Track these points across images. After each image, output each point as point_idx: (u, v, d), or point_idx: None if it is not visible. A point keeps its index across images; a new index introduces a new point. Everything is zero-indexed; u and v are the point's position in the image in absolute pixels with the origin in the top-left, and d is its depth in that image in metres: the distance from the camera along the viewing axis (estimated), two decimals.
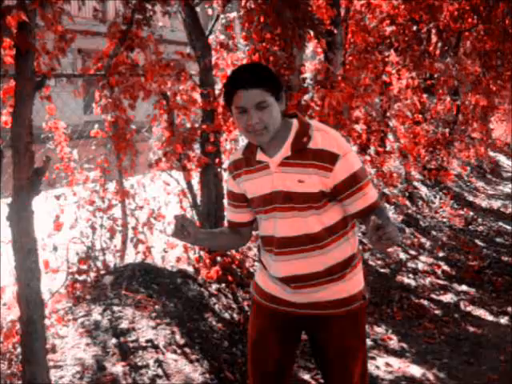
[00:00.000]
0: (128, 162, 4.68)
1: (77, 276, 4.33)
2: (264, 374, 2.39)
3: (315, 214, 2.17)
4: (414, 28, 8.40)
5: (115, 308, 3.94)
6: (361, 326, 2.38)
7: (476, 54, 11.66)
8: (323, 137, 2.14)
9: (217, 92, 4.79)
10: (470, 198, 11.10)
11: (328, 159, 2.10)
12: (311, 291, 2.26)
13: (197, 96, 4.74)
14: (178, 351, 3.64)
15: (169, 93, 4.71)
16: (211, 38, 5.04)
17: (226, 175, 2.44)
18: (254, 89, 2.05)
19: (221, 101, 4.75)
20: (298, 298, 2.28)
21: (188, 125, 4.76)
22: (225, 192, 4.95)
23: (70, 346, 3.56)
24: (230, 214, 2.44)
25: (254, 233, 2.60)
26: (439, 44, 9.74)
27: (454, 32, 9.95)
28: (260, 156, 2.21)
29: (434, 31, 9.50)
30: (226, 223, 2.55)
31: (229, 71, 4.94)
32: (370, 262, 5.87)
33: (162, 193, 4.94)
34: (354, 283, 2.31)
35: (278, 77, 2.21)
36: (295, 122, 2.19)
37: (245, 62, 4.94)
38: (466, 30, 10.15)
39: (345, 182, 2.14)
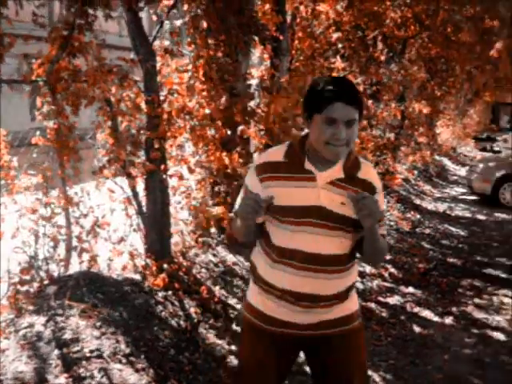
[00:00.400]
0: (71, 170, 4.59)
1: (19, 287, 4.22)
2: None
3: (343, 237, 2.21)
4: (360, 34, 8.54)
5: (59, 318, 3.84)
6: (363, 343, 2.42)
7: (421, 61, 11.94)
8: (369, 169, 2.28)
9: (161, 98, 4.75)
10: (417, 202, 11.33)
11: (369, 190, 2.18)
12: (319, 312, 2.25)
13: (141, 102, 4.69)
14: (124, 360, 3.58)
15: (112, 99, 4.65)
16: (156, 44, 5.00)
17: (251, 170, 2.33)
18: (351, 105, 2.08)
19: (165, 107, 4.72)
20: (303, 318, 2.25)
21: (133, 131, 4.70)
22: (171, 199, 4.99)
23: (10, 360, 3.46)
24: None
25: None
26: (385, 50, 9.91)
27: (399, 39, 10.16)
28: (308, 165, 2.19)
29: (379, 38, 9.68)
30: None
31: (174, 77, 4.91)
32: None
33: (107, 200, 4.86)
34: (353, 302, 2.37)
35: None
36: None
37: (190, 67, 4.92)
38: (410, 37, 10.37)
39: None
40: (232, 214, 2.48)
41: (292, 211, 2.17)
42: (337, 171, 2.18)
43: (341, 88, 2.11)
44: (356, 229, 2.21)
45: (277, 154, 2.26)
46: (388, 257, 7.16)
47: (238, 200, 2.35)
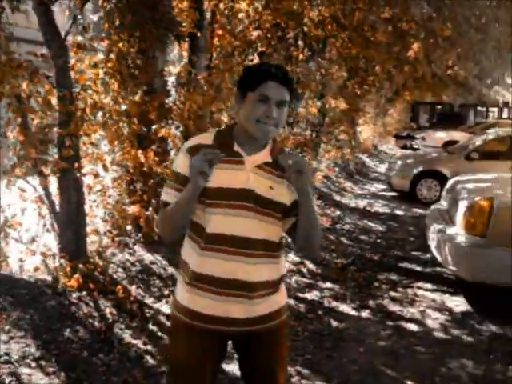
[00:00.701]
0: None
1: None
2: None
3: (272, 223, 2.21)
4: (280, 33, 8.62)
5: None
6: (286, 337, 2.45)
7: (341, 60, 12.16)
8: (295, 156, 2.22)
9: (74, 94, 4.64)
10: (338, 198, 11.54)
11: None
12: (250, 303, 2.22)
13: (53, 98, 4.57)
14: (33, 364, 3.48)
15: (23, 95, 4.50)
16: (69, 39, 4.88)
17: (180, 156, 2.25)
18: (285, 86, 2.14)
19: (79, 104, 4.62)
20: (232, 311, 2.22)
21: (44, 129, 4.57)
22: (87, 197, 4.89)
23: None
24: (174, 199, 2.23)
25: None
26: (305, 49, 10.05)
27: (319, 38, 10.31)
28: (237, 147, 2.20)
29: (300, 37, 9.80)
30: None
31: (88, 72, 4.81)
32: None
33: (18, 200, 4.71)
34: (282, 297, 2.37)
35: None
36: None
37: (103, 64, 4.83)
38: (330, 36, 10.54)
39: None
40: (148, 212, 2.47)
41: (223, 193, 2.16)
42: (264, 155, 2.21)
43: (275, 68, 2.17)
44: (285, 215, 2.23)
45: (206, 138, 2.27)
46: None
47: (166, 190, 2.29)
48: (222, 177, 2.15)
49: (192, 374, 2.30)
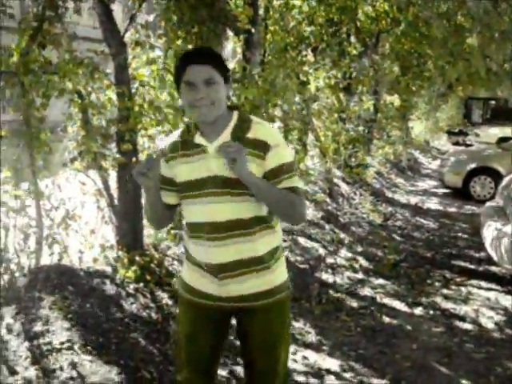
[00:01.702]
0: (42, 162, 4.57)
1: None
2: (198, 362, 2.48)
3: (248, 201, 2.26)
4: (333, 29, 8.60)
5: (29, 311, 3.84)
6: (286, 316, 2.51)
7: (395, 55, 12.04)
8: (260, 128, 2.29)
9: (133, 91, 4.75)
10: (389, 195, 11.44)
11: (261, 147, 2.23)
12: (238, 281, 2.32)
13: (112, 94, 4.69)
14: (94, 352, 3.59)
15: (83, 91, 4.63)
16: (127, 36, 4.99)
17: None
18: (204, 65, 2.17)
19: (136, 99, 4.73)
20: (226, 291, 2.35)
21: (104, 124, 4.70)
22: (143, 192, 4.99)
23: None
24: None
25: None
26: (358, 45, 9.99)
27: (372, 33, 10.24)
28: (199, 139, 2.27)
29: (353, 32, 9.75)
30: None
31: (145, 70, 4.91)
32: (290, 258, 5.95)
33: (78, 193, 4.85)
34: (279, 274, 2.43)
35: (226, 62, 2.33)
36: (235, 113, 2.31)
37: (161, 60, 4.92)
38: (383, 31, 10.46)
39: (273, 171, 2.26)
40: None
41: (191, 185, 2.27)
42: (224, 137, 2.26)
43: (193, 52, 2.33)
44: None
45: (174, 135, 2.40)
46: (359, 249, 7.26)
47: None
48: (189, 170, 2.27)
49: (192, 344, 2.45)
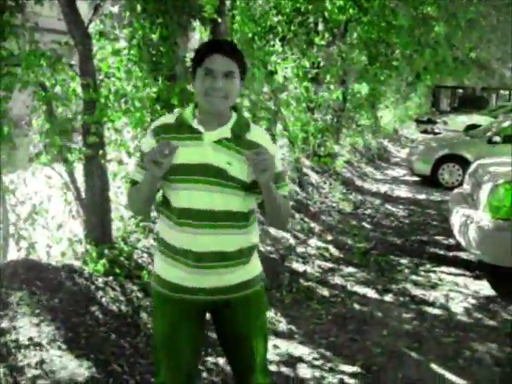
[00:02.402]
0: (6, 157, 4.49)
1: None
2: (179, 362, 2.43)
3: (237, 195, 2.27)
4: (300, 18, 8.59)
5: None
6: (263, 307, 2.55)
7: (363, 44, 12.08)
8: (259, 133, 2.35)
9: (98, 82, 4.68)
10: (359, 183, 11.52)
11: None
12: (217, 273, 2.31)
13: (77, 86, 4.62)
14: (63, 347, 3.55)
15: (47, 83, 4.56)
16: (91, 27, 4.92)
17: (147, 136, 2.37)
18: (229, 57, 2.19)
19: (102, 90, 4.67)
20: (206, 282, 2.32)
21: (69, 116, 4.63)
22: (110, 183, 4.95)
23: None
24: (140, 177, 2.36)
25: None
26: (326, 34, 10.00)
27: (340, 22, 10.25)
28: (196, 124, 2.26)
29: (320, 21, 9.75)
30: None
31: (110, 61, 4.85)
32: (260, 248, 5.95)
33: (45, 187, 4.78)
34: (256, 266, 2.46)
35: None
36: (234, 113, 2.32)
37: (126, 51, 4.86)
38: (351, 20, 10.48)
39: None
40: (128, 185, 2.54)
41: (184, 169, 2.24)
42: (224, 131, 2.26)
43: (219, 42, 2.28)
44: (247, 191, 2.29)
45: (170, 117, 2.36)
46: (329, 237, 7.30)
47: (134, 169, 2.44)
48: (183, 153, 2.22)
49: (171, 343, 2.40)
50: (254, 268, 2.44)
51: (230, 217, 2.28)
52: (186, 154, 2.23)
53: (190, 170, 2.23)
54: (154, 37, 4.71)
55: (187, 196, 2.25)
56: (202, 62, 2.18)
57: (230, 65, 2.18)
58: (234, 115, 2.31)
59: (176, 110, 2.42)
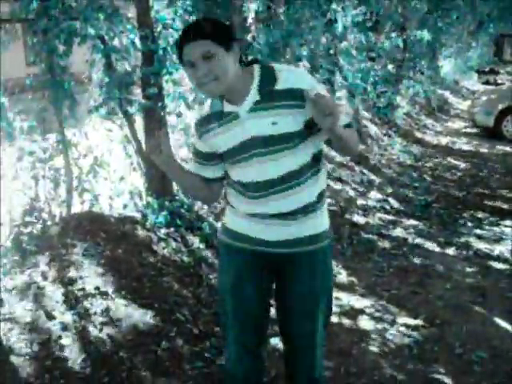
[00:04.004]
0: (68, 112, 4.54)
1: (22, 228, 4.24)
2: (247, 311, 2.35)
3: (291, 153, 2.15)
4: None
5: (62, 257, 3.89)
6: (330, 265, 2.41)
7: None
8: (288, 76, 2.11)
9: (156, 34, 4.65)
10: (419, 135, 11.25)
11: (298, 96, 2.07)
12: (287, 224, 2.23)
13: (136, 38, 4.61)
14: (128, 296, 3.63)
15: (106, 36, 4.56)
16: None
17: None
18: (197, 40, 1.99)
19: (160, 42, 4.64)
20: (272, 234, 2.25)
21: (128, 68, 4.63)
22: (171, 135, 4.95)
23: (17, 299, 3.52)
24: (197, 170, 2.34)
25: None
26: None
27: None
28: (227, 107, 2.16)
29: None
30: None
31: (167, 11, 4.81)
32: None
33: (106, 140, 4.84)
34: (323, 221, 2.32)
35: (227, 28, 2.13)
36: (256, 67, 2.15)
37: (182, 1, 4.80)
38: None
39: None
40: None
41: (233, 152, 2.19)
42: (253, 96, 2.12)
43: (184, 32, 2.06)
44: (303, 139, 2.16)
45: (205, 107, 2.27)
46: (389, 190, 7.18)
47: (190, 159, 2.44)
48: (226, 139, 2.18)
49: (238, 292, 2.34)
50: (322, 223, 2.31)
51: (295, 176, 2.19)
52: (230, 137, 2.17)
53: (240, 150, 2.17)
54: None
55: (243, 172, 2.21)
56: (182, 59, 2.05)
57: (203, 46, 1.99)
58: (257, 72, 2.14)
59: (208, 101, 2.27)
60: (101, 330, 3.30)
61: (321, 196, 2.29)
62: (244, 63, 2.17)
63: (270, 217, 2.23)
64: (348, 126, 2.19)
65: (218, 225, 4.81)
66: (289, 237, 2.26)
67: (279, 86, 2.09)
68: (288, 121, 2.10)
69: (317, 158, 2.25)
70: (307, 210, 2.24)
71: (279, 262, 2.33)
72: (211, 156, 2.28)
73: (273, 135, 2.11)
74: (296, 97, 2.07)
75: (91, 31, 4.45)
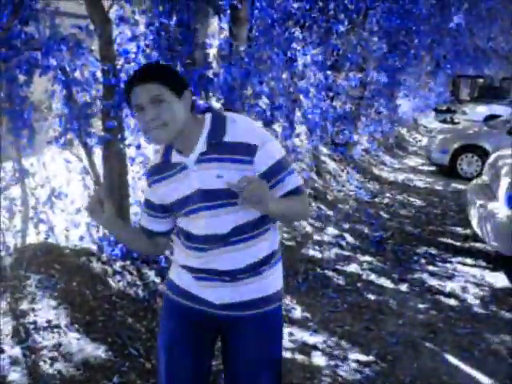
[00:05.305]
0: (26, 141, 4.52)
1: None
2: (180, 380, 2.24)
3: (236, 209, 2.04)
4: (320, 5, 8.52)
5: (15, 289, 3.84)
6: (280, 332, 2.30)
7: (382, 33, 11.99)
8: (239, 128, 2.02)
9: (118, 67, 4.69)
10: (377, 172, 11.46)
11: (246, 151, 1.99)
12: (234, 285, 2.14)
13: (97, 71, 4.64)
14: (80, 330, 3.60)
15: (67, 68, 4.58)
16: (112, 12, 4.92)
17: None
18: (147, 83, 1.92)
19: (122, 76, 4.68)
20: (217, 295, 2.15)
21: (89, 101, 4.65)
22: (129, 168, 4.96)
23: None
24: (146, 222, 2.27)
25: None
26: (346, 21, 9.91)
27: (360, 10, 10.17)
28: (175, 158, 2.07)
29: (340, 8, 9.66)
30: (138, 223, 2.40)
31: (129, 45, 4.86)
32: None
33: (64, 171, 4.82)
34: (275, 282, 2.22)
35: (179, 74, 2.05)
36: (208, 116, 2.06)
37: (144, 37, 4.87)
38: (370, 8, 10.41)
39: (266, 174, 2.03)
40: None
41: (178, 204, 2.11)
42: (200, 146, 2.02)
43: (134, 75, 1.99)
44: None
45: (157, 155, 2.19)
46: (346, 226, 7.28)
47: (141, 211, 2.35)
48: (172, 190, 2.11)
49: (169, 352, 2.23)
50: (272, 284, 2.21)
51: (243, 231, 2.09)
52: (177, 189, 2.09)
53: (184, 202, 2.09)
54: (173, 23, 4.71)
55: (190, 224, 2.11)
56: (130, 101, 1.97)
57: (152, 90, 1.91)
58: (208, 121, 2.05)
59: (157, 148, 2.24)
60: (51, 365, 3.26)
61: (271, 257, 2.18)
62: (196, 110, 2.08)
63: (216, 274, 2.13)
64: (295, 191, 2.11)
65: None
66: (236, 299, 2.15)
67: (228, 138, 2.00)
68: (233, 175, 1.97)
69: (264, 217, 2.12)
70: (256, 269, 2.14)
71: (224, 324, 2.22)
72: (163, 208, 2.19)
73: (217, 189, 2.02)
74: (243, 152, 1.99)
75: (53, 62, 4.46)
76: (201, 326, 2.23)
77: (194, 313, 2.21)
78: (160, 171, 2.14)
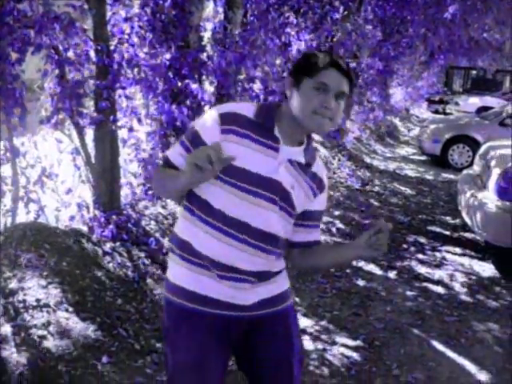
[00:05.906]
0: (18, 120, 4.49)
1: None
2: None
3: (286, 220, 2.00)
4: None
5: (4, 268, 3.82)
6: (297, 321, 2.28)
7: (377, 21, 11.98)
8: (321, 165, 2.13)
9: (111, 48, 4.66)
10: (368, 160, 11.49)
11: (319, 186, 2.06)
12: (253, 287, 2.01)
13: (91, 51, 4.60)
14: (70, 309, 3.60)
15: (60, 47, 4.54)
16: None
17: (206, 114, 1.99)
18: (345, 77, 1.90)
19: (115, 56, 4.64)
20: (240, 296, 1.99)
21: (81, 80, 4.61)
22: (121, 150, 4.95)
23: None
24: (181, 160, 1.97)
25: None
26: (341, 8, 9.88)
27: None
28: (277, 133, 1.95)
29: None
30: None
31: (123, 26, 4.82)
32: None
33: (55, 151, 4.79)
34: (286, 280, 2.18)
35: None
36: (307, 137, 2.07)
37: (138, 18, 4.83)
38: None
39: (314, 214, 2.10)
40: (161, 162, 2.15)
41: (246, 176, 1.90)
42: (298, 153, 1.99)
43: (337, 57, 1.93)
44: (297, 221, 2.07)
45: (247, 109, 1.97)
46: (337, 212, 7.31)
47: (175, 144, 2.04)
48: (254, 159, 1.91)
49: (196, 373, 1.96)
50: (286, 282, 2.16)
51: (274, 241, 1.98)
52: (259, 161, 1.91)
53: (253, 180, 1.90)
54: (167, 4, 4.68)
55: (238, 205, 1.91)
56: (315, 74, 1.87)
57: (344, 85, 1.90)
58: (305, 139, 2.03)
59: (251, 104, 2.02)
60: (40, 344, 3.26)
61: (283, 270, 2.14)
62: None
63: (243, 273, 1.97)
64: (313, 244, 2.15)
65: (164, 241, 4.81)
66: (259, 297, 2.03)
67: (314, 168, 2.05)
68: (299, 195, 1.99)
69: (285, 241, 2.07)
70: (273, 275, 2.07)
71: (246, 328, 2.07)
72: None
73: (289, 195, 1.97)
74: (317, 185, 2.07)
75: (46, 40, 4.42)
76: (228, 333, 2.03)
77: (218, 319, 2.00)
78: (247, 126, 1.93)
